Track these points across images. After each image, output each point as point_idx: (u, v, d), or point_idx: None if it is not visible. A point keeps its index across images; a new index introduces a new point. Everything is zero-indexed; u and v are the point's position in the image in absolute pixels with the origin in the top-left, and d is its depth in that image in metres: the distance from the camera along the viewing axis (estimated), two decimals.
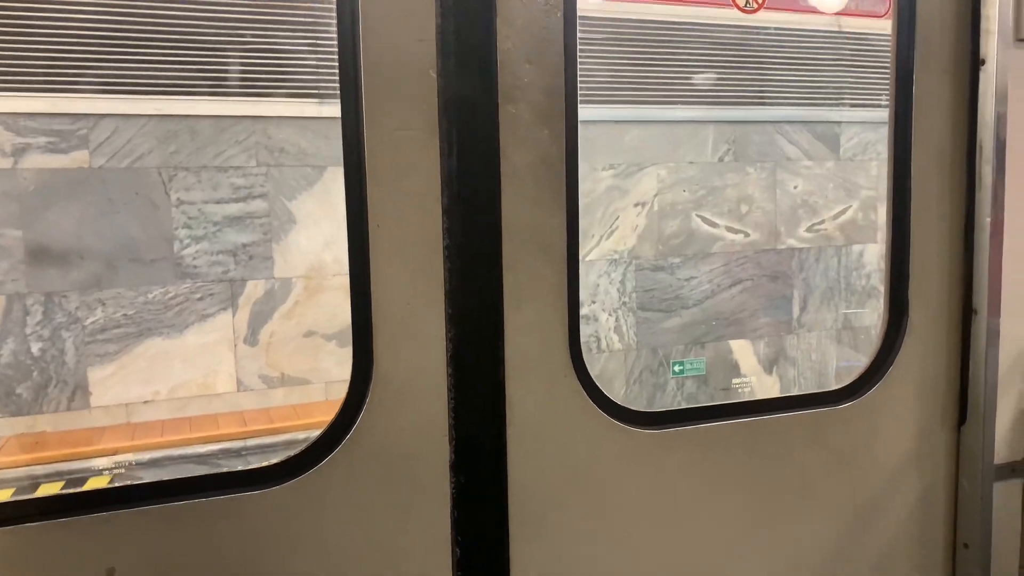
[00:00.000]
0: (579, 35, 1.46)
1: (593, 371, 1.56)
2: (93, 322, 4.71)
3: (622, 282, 5.89)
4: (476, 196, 1.40)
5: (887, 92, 1.76)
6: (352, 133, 1.35)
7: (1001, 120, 1.69)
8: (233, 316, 4.99)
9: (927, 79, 1.70)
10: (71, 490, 4.09)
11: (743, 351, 6.31)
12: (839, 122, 6.38)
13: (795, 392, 6.26)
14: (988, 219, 1.71)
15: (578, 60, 1.46)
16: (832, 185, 6.44)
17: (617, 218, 5.84)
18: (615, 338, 5.91)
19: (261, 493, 1.34)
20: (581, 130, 1.49)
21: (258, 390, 5.08)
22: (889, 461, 1.78)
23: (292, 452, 1.38)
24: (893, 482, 1.78)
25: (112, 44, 4.55)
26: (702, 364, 6.14)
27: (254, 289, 5.03)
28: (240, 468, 1.50)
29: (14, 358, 4.58)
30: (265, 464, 1.37)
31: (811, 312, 6.47)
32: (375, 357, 1.37)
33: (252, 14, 4.80)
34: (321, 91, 4.94)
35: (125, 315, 4.76)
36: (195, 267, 4.88)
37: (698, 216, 6.05)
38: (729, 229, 6.14)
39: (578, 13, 1.44)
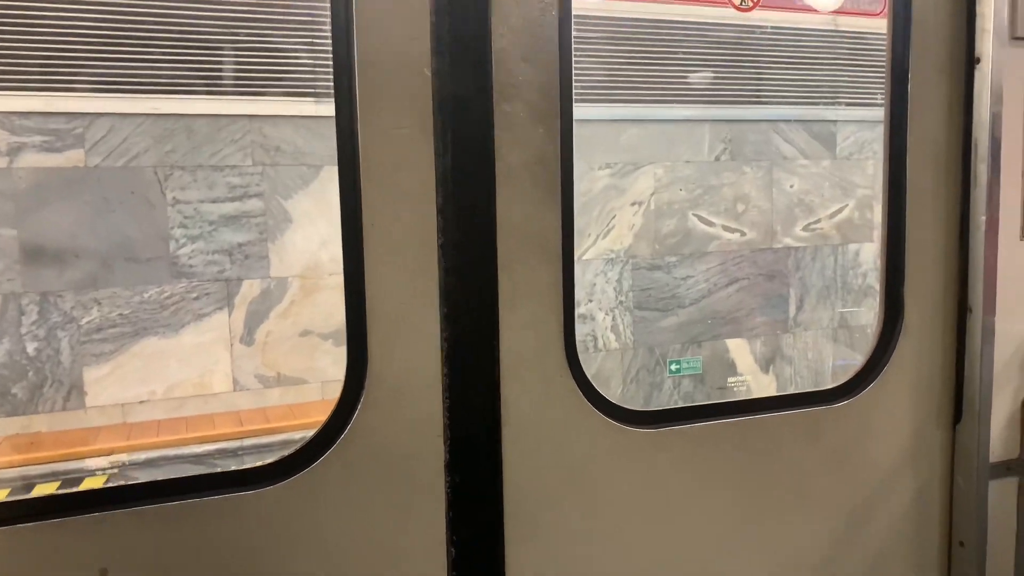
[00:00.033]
0: (575, 34, 1.46)
1: (590, 370, 1.56)
2: (89, 322, 4.70)
3: (619, 281, 5.89)
4: (471, 195, 1.39)
5: (883, 90, 1.75)
6: (346, 132, 1.35)
7: (996, 118, 1.69)
8: (229, 316, 4.98)
9: (922, 77, 1.70)
10: (64, 491, 4.08)
11: (739, 350, 6.31)
12: (835, 121, 6.39)
13: (791, 391, 6.27)
14: (983, 217, 1.71)
15: (573, 58, 1.46)
16: (828, 184, 6.45)
17: (614, 217, 5.84)
18: (612, 337, 5.91)
19: (255, 493, 1.33)
20: (577, 129, 1.48)
21: (254, 390, 5.07)
22: (885, 459, 1.78)
23: (287, 452, 1.38)
24: (889, 480, 1.78)
25: (108, 43, 4.53)
26: (699, 363, 6.14)
27: (250, 288, 5.02)
28: (234, 468, 1.50)
29: (9, 358, 4.56)
30: (259, 464, 1.37)
31: (807, 311, 6.47)
32: (370, 356, 1.36)
33: (248, 13, 4.79)
34: (317, 90, 4.93)
35: (121, 315, 4.75)
36: (191, 266, 4.87)
37: (694, 215, 6.05)
38: (725, 228, 6.14)
39: (573, 11, 1.44)
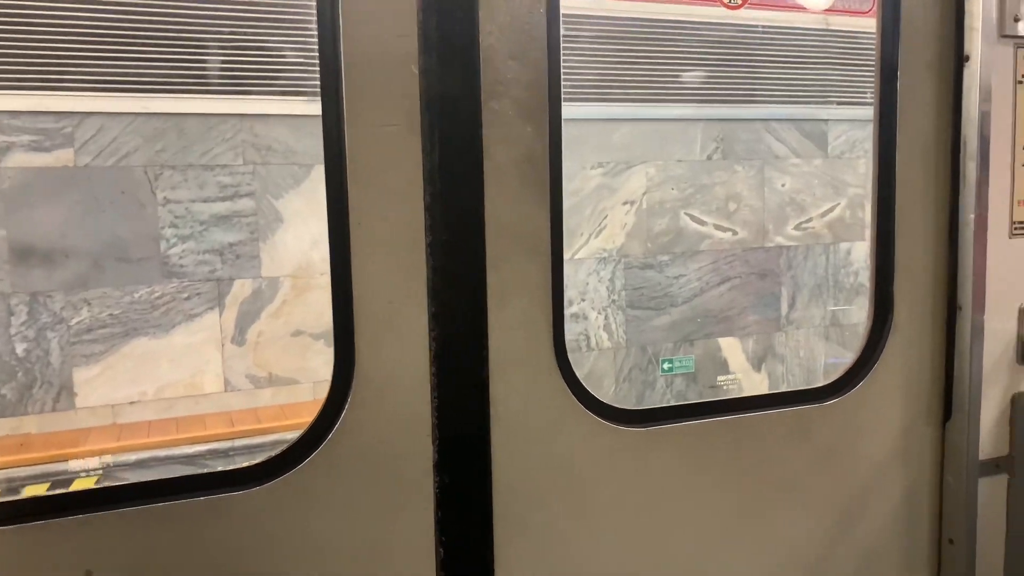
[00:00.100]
0: (565, 32, 1.46)
1: (583, 370, 1.55)
2: (79, 322, 4.67)
3: (611, 280, 5.89)
4: (459, 193, 1.38)
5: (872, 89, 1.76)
6: (333, 129, 1.34)
7: (985, 117, 1.69)
8: (220, 316, 4.96)
9: (911, 76, 1.70)
10: (48, 492, 4.06)
11: (732, 348, 6.32)
12: (827, 120, 6.40)
13: (783, 389, 6.28)
14: (972, 215, 1.71)
15: (562, 56, 1.45)
16: (820, 183, 6.46)
17: (606, 216, 5.84)
18: (604, 336, 5.91)
19: (242, 493, 1.32)
20: (569, 128, 1.48)
21: (246, 390, 5.05)
22: (874, 458, 1.78)
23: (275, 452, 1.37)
24: (878, 479, 1.78)
25: (97, 41, 4.51)
26: (691, 362, 6.15)
27: (241, 288, 5.00)
28: (221, 468, 1.49)
29: None
30: (246, 464, 1.36)
31: (799, 309, 6.49)
32: (357, 356, 1.35)
33: (238, 11, 4.77)
34: (308, 88, 4.92)
35: (111, 315, 4.73)
36: (182, 266, 4.85)
37: (687, 214, 6.06)
38: (717, 227, 6.15)
39: (561, 9, 1.43)
